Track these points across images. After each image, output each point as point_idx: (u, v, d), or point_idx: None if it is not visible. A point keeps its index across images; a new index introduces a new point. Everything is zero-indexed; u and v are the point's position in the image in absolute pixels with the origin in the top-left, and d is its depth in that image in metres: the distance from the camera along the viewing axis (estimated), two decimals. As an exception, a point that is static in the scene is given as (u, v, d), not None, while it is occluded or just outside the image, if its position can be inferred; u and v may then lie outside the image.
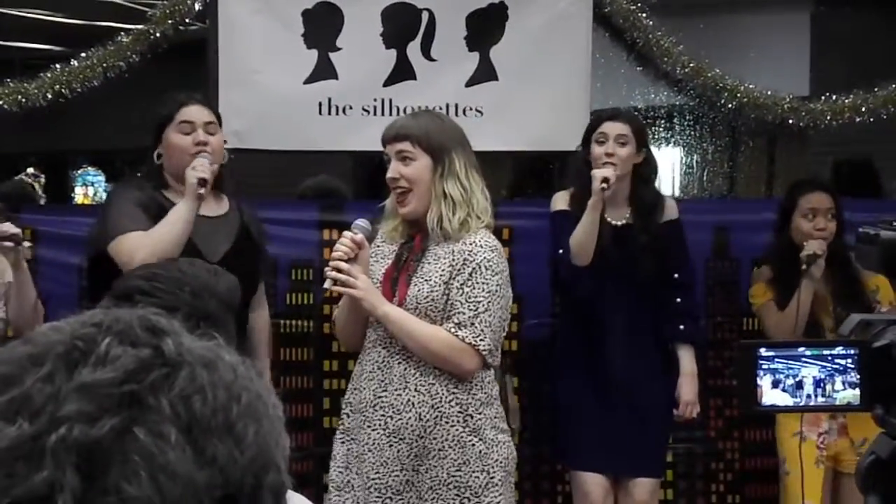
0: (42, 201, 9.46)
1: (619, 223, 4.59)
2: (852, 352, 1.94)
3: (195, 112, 4.07)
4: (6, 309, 4.13)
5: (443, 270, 3.69)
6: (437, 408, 3.69)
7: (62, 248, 4.64)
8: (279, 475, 0.91)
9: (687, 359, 4.69)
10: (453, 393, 3.71)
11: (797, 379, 1.94)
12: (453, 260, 3.70)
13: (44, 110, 5.05)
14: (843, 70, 6.30)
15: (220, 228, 4.07)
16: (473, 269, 3.70)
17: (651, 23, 5.41)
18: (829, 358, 1.94)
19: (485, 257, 3.71)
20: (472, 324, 3.67)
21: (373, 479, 3.70)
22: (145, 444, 0.83)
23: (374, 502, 3.69)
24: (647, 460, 4.68)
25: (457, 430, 3.69)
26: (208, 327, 2.43)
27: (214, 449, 0.86)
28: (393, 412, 3.68)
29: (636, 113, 5.72)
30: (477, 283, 3.70)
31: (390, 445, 3.68)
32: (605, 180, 4.35)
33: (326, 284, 3.71)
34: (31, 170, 10.62)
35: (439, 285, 3.69)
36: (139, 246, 3.76)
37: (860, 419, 4.65)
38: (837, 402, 1.96)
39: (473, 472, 3.70)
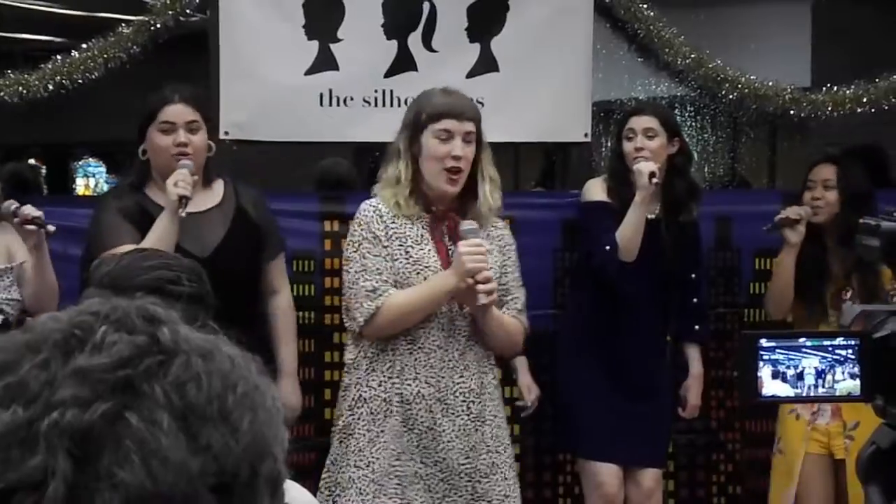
0: (43, 192, 9.46)
1: (651, 217, 4.56)
2: (853, 342, 1.94)
3: (176, 112, 4.05)
4: (20, 291, 4.14)
5: (495, 256, 3.78)
6: (496, 387, 3.89)
7: (64, 239, 4.63)
8: (276, 465, 0.91)
9: (696, 360, 4.73)
10: (494, 371, 3.92)
11: (798, 370, 1.94)
12: (494, 244, 3.83)
13: (45, 101, 5.05)
14: (845, 61, 6.29)
15: (210, 221, 4.07)
16: (511, 254, 3.88)
17: (652, 14, 5.40)
18: (830, 349, 1.94)
19: (512, 241, 3.93)
20: (524, 308, 3.90)
21: (462, 465, 3.73)
22: (138, 430, 0.84)
23: (465, 487, 3.74)
24: (655, 450, 4.72)
25: (499, 405, 3.90)
26: (207, 309, 2.44)
27: (209, 436, 0.86)
28: (474, 396, 3.76)
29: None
30: (516, 267, 3.89)
31: (476, 429, 3.75)
32: (653, 174, 4.36)
33: (484, 300, 3.68)
34: (31, 161, 10.63)
35: (496, 271, 3.78)
36: None
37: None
38: (838, 393, 1.96)
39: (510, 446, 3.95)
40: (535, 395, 4.54)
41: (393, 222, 3.75)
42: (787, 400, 1.96)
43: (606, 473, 4.58)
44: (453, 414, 3.71)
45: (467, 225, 3.72)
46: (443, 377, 3.73)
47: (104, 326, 0.90)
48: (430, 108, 3.78)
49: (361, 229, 3.75)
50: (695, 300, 4.71)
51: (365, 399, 3.78)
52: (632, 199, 4.42)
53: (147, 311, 0.93)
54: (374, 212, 3.78)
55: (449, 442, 3.70)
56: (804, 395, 1.96)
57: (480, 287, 3.64)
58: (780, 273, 4.71)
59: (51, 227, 4.04)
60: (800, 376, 1.94)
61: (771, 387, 1.94)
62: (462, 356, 3.74)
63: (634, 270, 4.49)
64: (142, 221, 3.97)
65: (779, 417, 4.82)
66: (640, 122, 4.56)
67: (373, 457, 3.71)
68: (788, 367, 1.93)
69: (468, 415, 3.72)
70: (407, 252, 3.73)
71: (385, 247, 3.71)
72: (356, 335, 3.80)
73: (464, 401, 3.72)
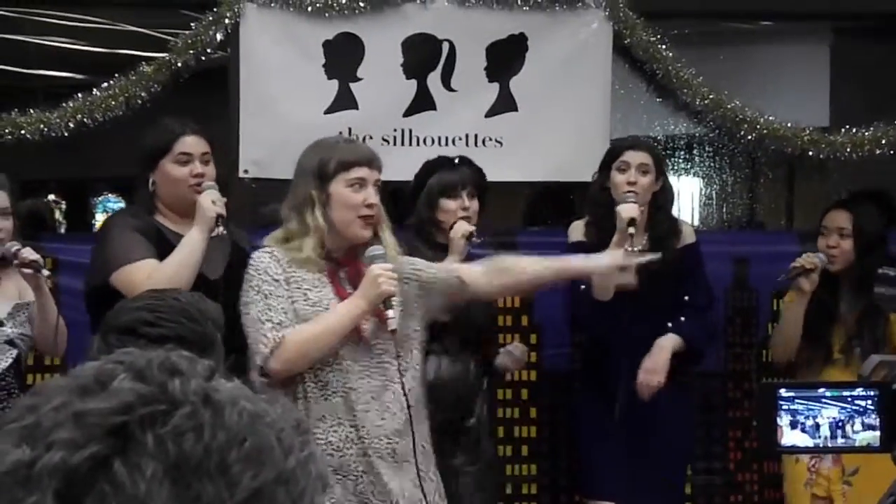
0: (62, 228, 9.50)
1: (636, 249, 4.54)
2: (872, 393, 1.93)
3: (193, 144, 4.10)
4: (31, 328, 4.23)
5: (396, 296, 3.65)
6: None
7: (83, 276, 4.64)
8: None
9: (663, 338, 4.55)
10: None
11: (816, 420, 1.93)
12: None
13: (65, 136, 5.08)
14: (863, 102, 6.28)
15: (215, 247, 4.09)
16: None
17: (671, 54, 5.42)
18: (849, 399, 1.93)
19: None
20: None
21: None
22: (118, 475, 0.85)
23: None
24: (667, 490, 4.67)
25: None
26: (204, 351, 2.42)
27: (200, 488, 0.87)
28: (398, 437, 3.62)
29: (656, 143, 5.74)
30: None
31: (401, 468, 3.64)
32: (633, 221, 4.30)
33: (394, 325, 3.56)
34: (51, 196, 10.67)
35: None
36: (155, 276, 3.79)
37: None
38: (857, 444, 1.95)
39: None
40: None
41: (289, 267, 3.64)
42: (807, 451, 1.96)
43: None
44: (379, 457, 3.59)
45: (375, 250, 3.62)
46: (366, 420, 3.60)
47: (123, 374, 0.91)
48: (340, 157, 3.67)
49: (259, 274, 3.63)
50: (682, 318, 4.60)
51: None
52: (610, 234, 4.42)
53: (170, 362, 0.94)
54: (269, 258, 3.66)
55: (386, 484, 3.59)
56: (823, 445, 1.95)
57: (390, 312, 3.53)
58: (790, 318, 4.68)
59: (45, 272, 4.07)
60: (818, 426, 1.93)
61: (790, 437, 1.93)
62: (380, 396, 3.62)
63: (625, 306, 4.46)
64: (158, 244, 3.98)
65: (784, 459, 4.81)
66: (635, 157, 4.54)
67: None
68: (808, 418, 1.92)
69: (392, 457, 3.62)
70: (305, 295, 3.62)
71: (286, 289, 3.61)
72: (261, 376, 3.59)
73: (388, 443, 3.61)
